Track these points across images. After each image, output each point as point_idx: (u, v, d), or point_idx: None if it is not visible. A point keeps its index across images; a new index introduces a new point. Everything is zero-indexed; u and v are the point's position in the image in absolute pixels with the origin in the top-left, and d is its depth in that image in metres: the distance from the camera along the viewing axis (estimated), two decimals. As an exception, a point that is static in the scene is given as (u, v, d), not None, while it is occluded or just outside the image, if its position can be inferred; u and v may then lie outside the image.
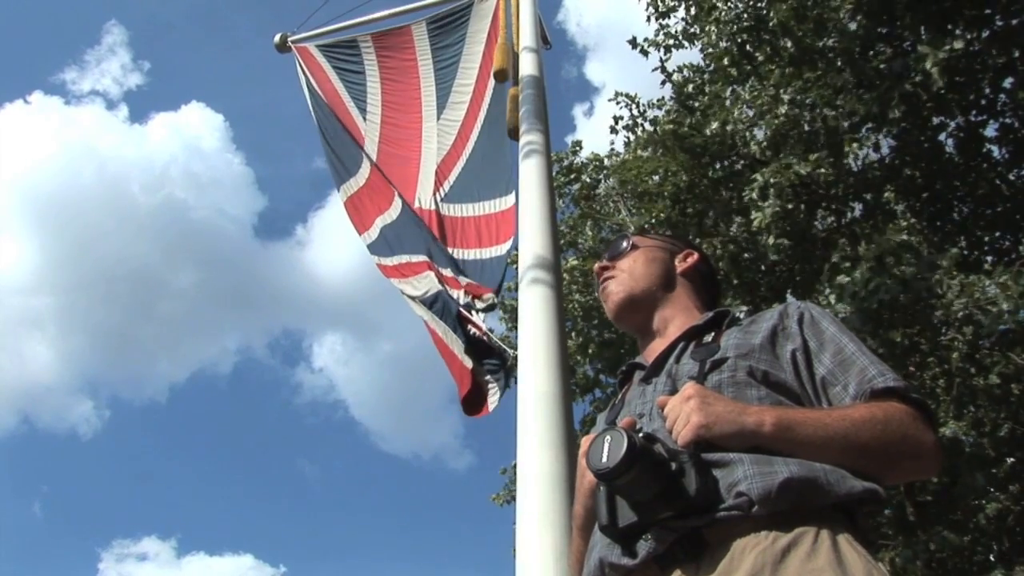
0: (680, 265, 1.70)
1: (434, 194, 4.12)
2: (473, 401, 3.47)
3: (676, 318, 1.59)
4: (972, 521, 6.45)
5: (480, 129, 4.18)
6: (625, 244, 1.74)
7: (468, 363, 3.46)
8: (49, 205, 52.94)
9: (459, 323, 3.49)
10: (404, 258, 4.04)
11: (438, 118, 4.48)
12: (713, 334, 1.46)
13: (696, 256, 1.73)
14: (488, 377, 3.49)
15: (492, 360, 3.52)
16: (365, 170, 4.56)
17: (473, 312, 3.45)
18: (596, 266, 1.74)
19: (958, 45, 5.83)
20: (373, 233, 4.33)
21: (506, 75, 3.70)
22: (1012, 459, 6.59)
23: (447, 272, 3.69)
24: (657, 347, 1.56)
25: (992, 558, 6.83)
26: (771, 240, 6.45)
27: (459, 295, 3.54)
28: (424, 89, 4.67)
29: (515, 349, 2.95)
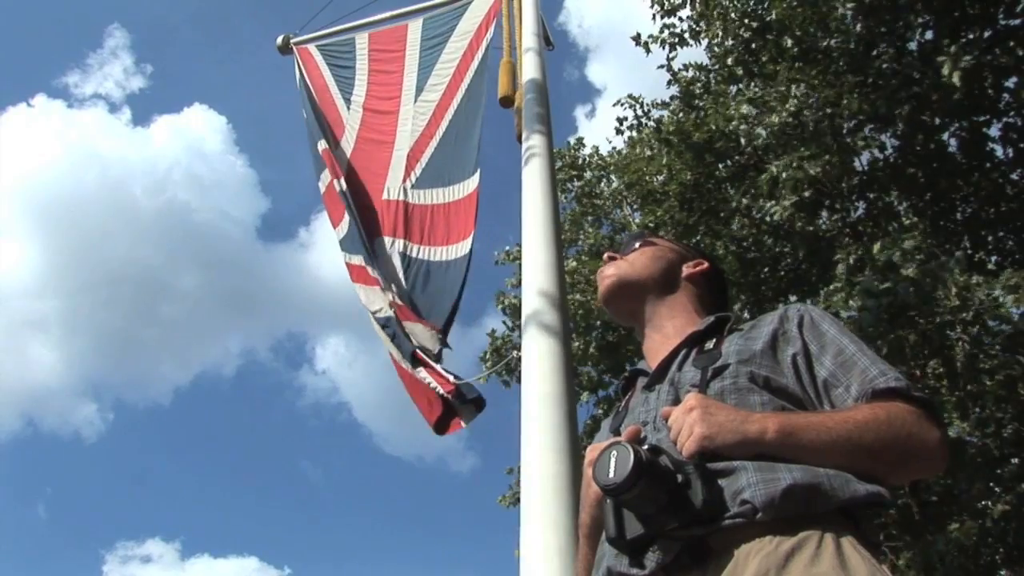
0: (687, 270, 1.69)
1: (404, 181, 4.00)
2: (443, 420, 3.29)
3: (675, 318, 1.59)
4: (978, 522, 6.43)
5: (456, 108, 4.06)
6: (639, 243, 1.74)
7: (436, 387, 3.17)
8: (52, 208, 53.12)
9: (415, 362, 3.22)
10: (357, 260, 3.84)
11: (415, 100, 4.39)
12: (715, 340, 1.46)
13: (706, 265, 1.72)
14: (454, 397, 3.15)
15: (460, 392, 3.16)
16: (342, 163, 4.43)
17: (435, 361, 3.17)
18: (605, 255, 1.76)
19: (963, 63, 5.82)
20: (344, 228, 4.15)
21: (511, 101, 3.63)
22: (1016, 460, 6.57)
23: (398, 300, 3.49)
24: (657, 348, 1.56)
25: (998, 559, 6.81)
26: (798, 226, 6.46)
27: (414, 330, 3.32)
28: (406, 75, 4.61)
29: (518, 349, 2.92)
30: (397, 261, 3.75)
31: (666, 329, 1.58)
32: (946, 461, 1.28)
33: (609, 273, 1.67)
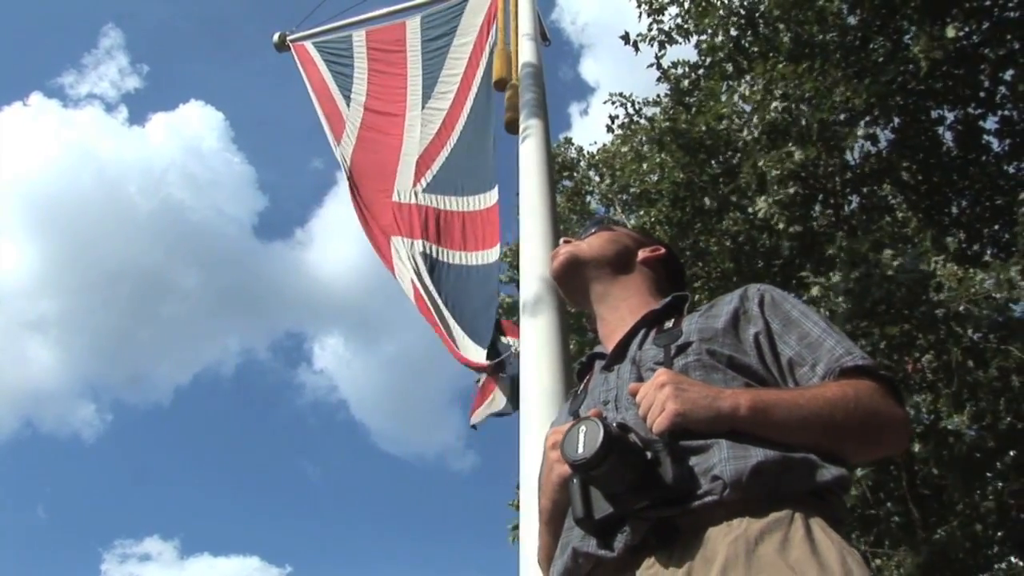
0: (644, 254, 1.69)
1: (414, 185, 3.99)
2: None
3: (629, 299, 1.59)
4: (974, 513, 6.45)
5: (466, 120, 4.08)
6: (595, 228, 1.75)
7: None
8: (49, 208, 52.77)
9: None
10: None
11: (423, 107, 4.38)
12: (673, 320, 1.46)
13: (663, 251, 1.73)
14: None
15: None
16: (344, 160, 4.43)
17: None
18: (562, 240, 1.76)
19: (950, 34, 5.83)
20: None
21: (506, 84, 3.64)
22: (1013, 452, 6.58)
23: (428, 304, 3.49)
24: (613, 329, 1.55)
25: (996, 550, 6.82)
26: (781, 227, 6.46)
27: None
28: (411, 79, 4.60)
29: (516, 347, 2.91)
30: (420, 262, 3.70)
31: (621, 310, 1.57)
32: (909, 439, 1.30)
33: (563, 251, 1.68)
